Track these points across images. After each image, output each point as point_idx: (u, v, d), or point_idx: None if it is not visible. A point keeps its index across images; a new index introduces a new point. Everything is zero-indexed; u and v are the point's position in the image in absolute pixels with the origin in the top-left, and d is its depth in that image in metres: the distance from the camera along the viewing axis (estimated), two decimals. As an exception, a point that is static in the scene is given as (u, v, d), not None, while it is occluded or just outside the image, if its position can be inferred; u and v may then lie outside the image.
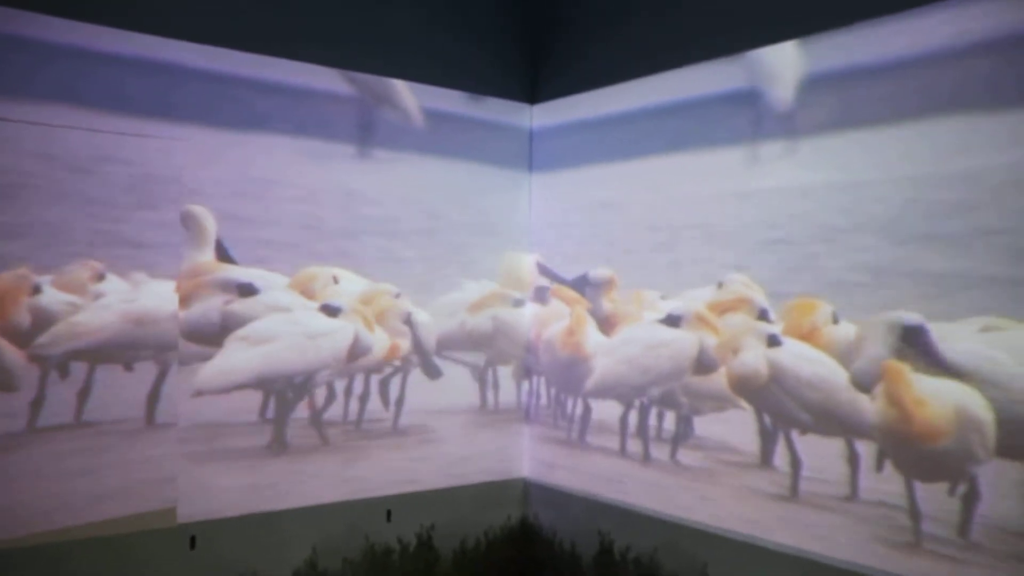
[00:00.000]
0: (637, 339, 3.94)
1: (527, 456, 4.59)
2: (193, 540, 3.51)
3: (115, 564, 3.32)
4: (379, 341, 4.00)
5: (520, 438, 4.60)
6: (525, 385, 4.63)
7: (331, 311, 3.85)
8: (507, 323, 4.51)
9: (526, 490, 4.56)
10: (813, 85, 3.29)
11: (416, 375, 4.21)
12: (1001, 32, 2.76)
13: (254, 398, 3.72)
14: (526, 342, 4.59)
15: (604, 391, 4.08)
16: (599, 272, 4.21)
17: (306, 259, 3.87)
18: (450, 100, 4.35)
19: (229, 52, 3.62)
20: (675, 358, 3.79)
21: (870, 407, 3.05)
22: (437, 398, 4.27)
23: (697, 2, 3.77)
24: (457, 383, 4.38)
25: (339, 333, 3.84)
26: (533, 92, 4.65)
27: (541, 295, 4.55)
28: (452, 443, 4.33)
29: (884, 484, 3.03)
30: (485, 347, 4.48)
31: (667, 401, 3.87)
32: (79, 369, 3.30)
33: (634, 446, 4.02)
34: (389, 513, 4.07)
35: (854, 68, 3.16)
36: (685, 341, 3.76)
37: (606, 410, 4.14)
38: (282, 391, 3.75)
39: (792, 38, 3.35)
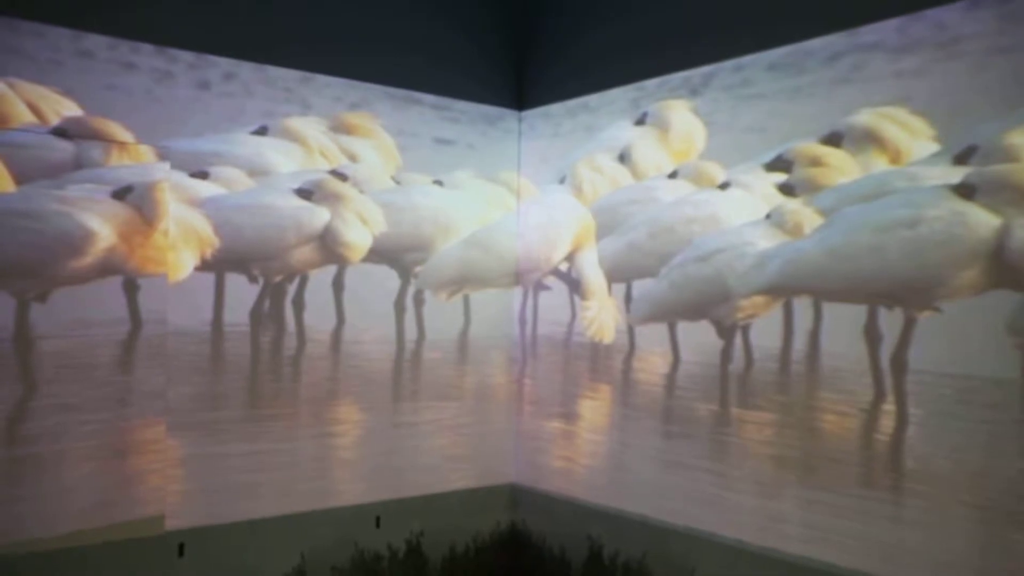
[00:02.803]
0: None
1: (516, 461, 4.59)
2: (181, 548, 3.49)
3: (103, 572, 3.30)
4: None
5: (508, 443, 4.60)
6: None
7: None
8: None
9: (515, 495, 4.57)
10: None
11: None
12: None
13: (242, 403, 3.72)
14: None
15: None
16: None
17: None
18: (436, 106, 4.36)
19: (208, 57, 3.61)
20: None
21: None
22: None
23: (682, 9, 3.80)
24: (442, 391, 4.39)
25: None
26: (520, 98, 4.66)
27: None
28: (441, 448, 4.33)
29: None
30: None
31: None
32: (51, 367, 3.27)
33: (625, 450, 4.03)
34: (378, 520, 4.06)
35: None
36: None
37: (595, 413, 4.15)
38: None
39: (779, 45, 3.38)
